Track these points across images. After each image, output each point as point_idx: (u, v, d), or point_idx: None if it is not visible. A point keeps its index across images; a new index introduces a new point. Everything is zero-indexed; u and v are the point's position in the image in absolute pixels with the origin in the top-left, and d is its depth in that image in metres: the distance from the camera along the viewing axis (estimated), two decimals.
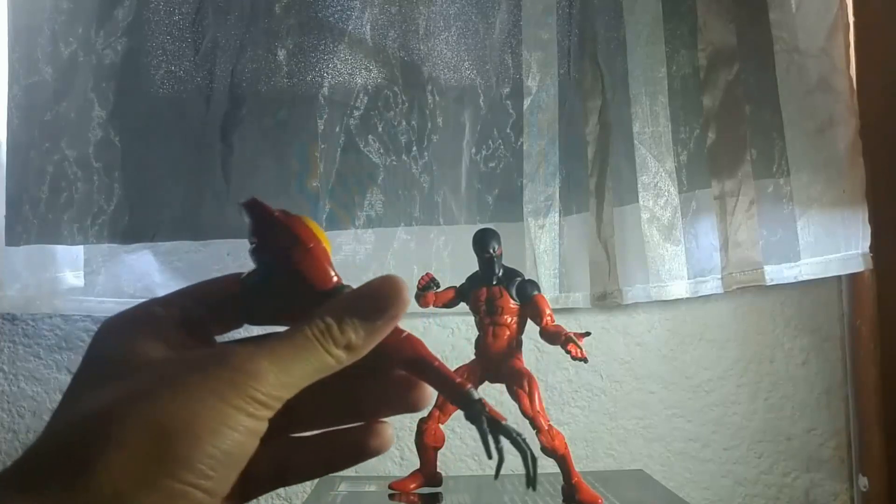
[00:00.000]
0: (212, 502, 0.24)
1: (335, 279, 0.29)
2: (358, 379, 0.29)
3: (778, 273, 0.85)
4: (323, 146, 0.84)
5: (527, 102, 0.87)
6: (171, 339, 0.28)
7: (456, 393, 0.29)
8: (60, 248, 0.83)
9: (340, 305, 0.27)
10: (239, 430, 0.24)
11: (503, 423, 0.29)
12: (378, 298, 0.27)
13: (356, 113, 0.85)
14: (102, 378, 0.26)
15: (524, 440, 0.29)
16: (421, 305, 0.62)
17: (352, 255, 0.85)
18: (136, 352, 0.26)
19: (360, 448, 0.30)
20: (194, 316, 0.29)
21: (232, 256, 0.84)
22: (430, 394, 0.30)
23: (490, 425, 0.28)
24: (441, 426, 0.59)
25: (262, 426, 0.25)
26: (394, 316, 0.27)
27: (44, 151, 0.82)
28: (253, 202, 0.29)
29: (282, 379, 0.25)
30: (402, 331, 0.29)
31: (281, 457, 0.30)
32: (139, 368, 0.26)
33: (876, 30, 0.87)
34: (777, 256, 0.85)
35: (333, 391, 0.28)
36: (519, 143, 0.87)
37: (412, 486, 0.61)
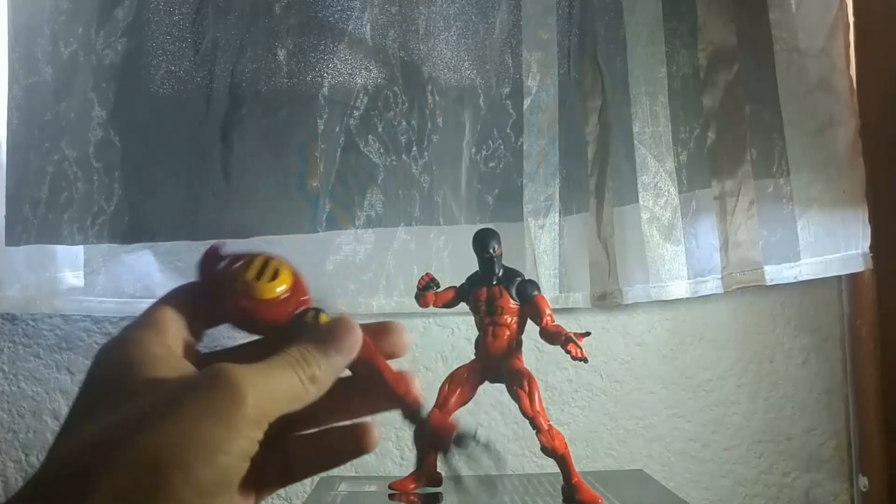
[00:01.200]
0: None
1: (291, 309, 0.30)
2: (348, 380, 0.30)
3: (778, 273, 0.85)
4: (323, 146, 0.84)
5: (527, 102, 0.87)
6: (166, 354, 0.28)
7: (402, 405, 0.30)
8: (60, 248, 0.83)
9: (309, 341, 0.28)
10: (231, 453, 0.24)
11: (452, 435, 0.30)
12: (339, 336, 0.29)
13: (356, 113, 0.85)
14: (100, 403, 0.26)
15: (481, 443, 0.30)
16: (421, 305, 0.62)
17: (352, 255, 0.85)
18: (132, 376, 0.27)
19: (356, 445, 0.31)
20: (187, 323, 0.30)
21: None
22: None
23: (430, 440, 0.30)
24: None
25: (253, 448, 0.25)
26: (351, 353, 0.29)
27: (44, 151, 0.82)
28: (208, 254, 0.32)
29: (271, 406, 0.26)
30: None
31: (286, 455, 0.31)
32: (135, 393, 0.26)
33: (876, 30, 0.87)
34: (777, 256, 0.85)
35: (331, 391, 0.29)
36: (519, 143, 0.87)
37: (412, 486, 0.61)
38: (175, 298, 0.31)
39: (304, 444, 0.31)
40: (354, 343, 0.29)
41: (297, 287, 0.30)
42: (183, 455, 0.24)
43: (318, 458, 0.32)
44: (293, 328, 0.29)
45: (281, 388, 0.26)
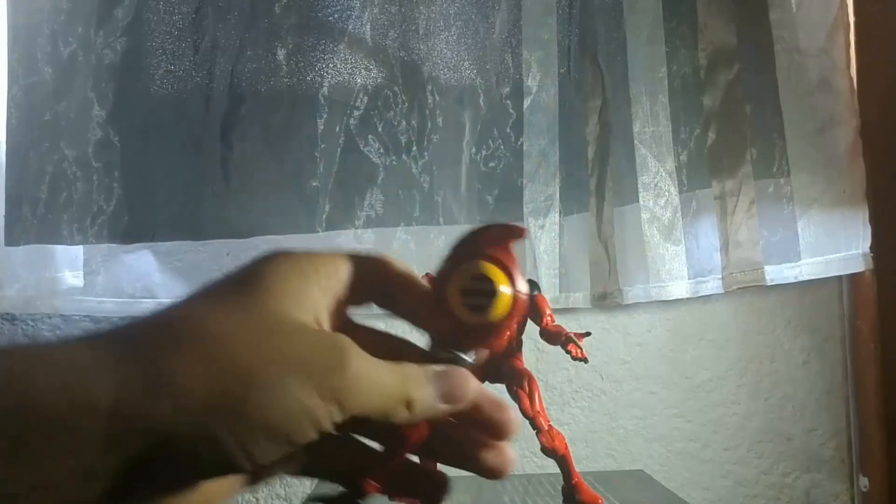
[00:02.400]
0: (246, 468, 0.23)
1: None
2: None
3: (778, 273, 0.85)
4: (323, 146, 0.84)
5: (527, 102, 0.87)
6: (318, 300, 0.27)
7: None
8: (60, 248, 0.83)
9: (423, 372, 0.28)
10: (310, 416, 0.24)
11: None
12: (453, 384, 0.28)
13: (356, 113, 0.85)
14: (236, 294, 0.26)
15: None
16: None
17: None
18: (277, 292, 0.26)
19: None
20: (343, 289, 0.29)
21: (231, 256, 0.84)
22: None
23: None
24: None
25: (327, 426, 0.25)
26: (454, 405, 0.28)
27: (43, 151, 0.82)
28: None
29: (365, 397, 0.25)
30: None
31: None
32: (265, 306, 0.25)
33: (876, 30, 0.87)
34: (777, 256, 0.85)
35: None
36: (519, 143, 0.87)
37: None
38: (365, 262, 0.29)
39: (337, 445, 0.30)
40: (463, 398, 0.28)
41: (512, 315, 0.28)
42: (260, 379, 0.23)
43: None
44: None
45: (379, 391, 0.26)
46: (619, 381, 0.90)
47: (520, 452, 0.85)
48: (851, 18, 0.86)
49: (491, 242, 0.28)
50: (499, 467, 0.30)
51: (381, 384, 0.26)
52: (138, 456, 0.22)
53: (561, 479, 0.58)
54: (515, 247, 0.28)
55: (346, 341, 0.26)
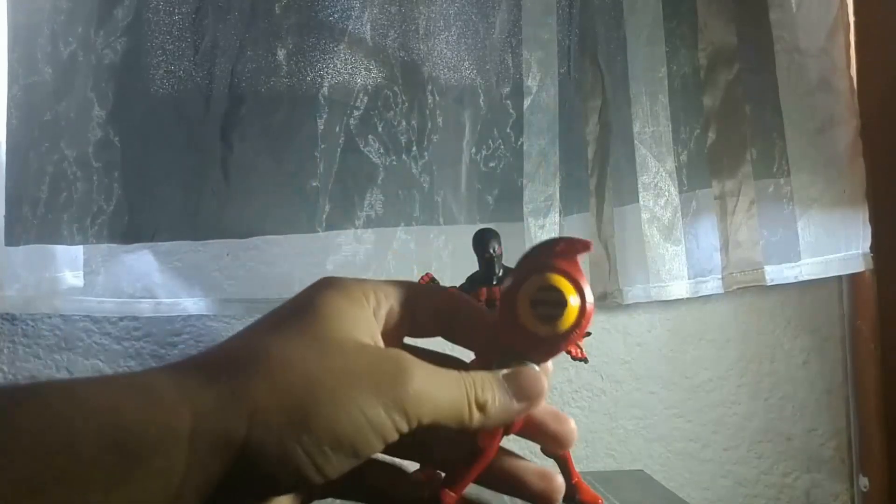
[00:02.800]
0: (317, 480, 0.24)
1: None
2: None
3: (778, 273, 0.85)
4: (323, 146, 0.84)
5: (527, 102, 0.87)
6: (366, 324, 0.28)
7: None
8: (60, 248, 0.83)
9: (492, 375, 0.28)
10: (375, 426, 0.25)
11: None
12: (524, 382, 0.29)
13: (356, 113, 0.85)
14: (294, 321, 0.27)
15: None
16: None
17: (352, 255, 0.85)
18: (332, 322, 0.27)
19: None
20: (394, 317, 0.30)
21: (231, 256, 0.84)
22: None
23: None
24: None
25: (390, 434, 0.25)
26: (530, 404, 0.29)
27: (43, 151, 0.82)
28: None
29: (430, 403, 0.26)
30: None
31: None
32: (323, 337, 0.27)
33: (876, 30, 0.87)
34: (777, 256, 0.85)
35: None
36: (519, 143, 0.87)
37: None
38: (418, 294, 0.31)
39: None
40: (538, 395, 0.29)
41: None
42: (334, 398, 0.24)
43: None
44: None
45: (445, 396, 0.26)
46: (619, 381, 0.90)
47: (519, 452, 0.85)
48: (851, 18, 0.86)
49: (558, 255, 0.29)
50: (548, 493, 0.31)
51: (447, 389, 0.27)
52: (220, 476, 0.23)
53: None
54: (581, 259, 0.29)
55: (405, 354, 0.27)
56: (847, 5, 0.86)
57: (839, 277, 0.89)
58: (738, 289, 0.85)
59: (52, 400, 0.22)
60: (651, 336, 0.90)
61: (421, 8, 0.86)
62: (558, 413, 0.31)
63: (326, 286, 0.28)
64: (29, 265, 0.82)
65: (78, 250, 0.84)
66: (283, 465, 0.24)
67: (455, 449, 0.30)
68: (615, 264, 0.85)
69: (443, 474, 0.31)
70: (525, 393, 0.28)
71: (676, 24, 0.87)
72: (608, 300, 0.85)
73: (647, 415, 0.90)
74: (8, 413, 0.21)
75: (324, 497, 0.30)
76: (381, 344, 0.28)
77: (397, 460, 0.31)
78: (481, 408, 0.27)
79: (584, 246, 0.29)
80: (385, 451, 0.27)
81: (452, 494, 0.29)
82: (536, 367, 0.29)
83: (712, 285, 0.86)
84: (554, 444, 0.31)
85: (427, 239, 0.85)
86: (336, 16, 0.85)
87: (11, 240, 0.81)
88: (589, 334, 0.57)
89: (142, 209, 0.83)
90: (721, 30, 0.86)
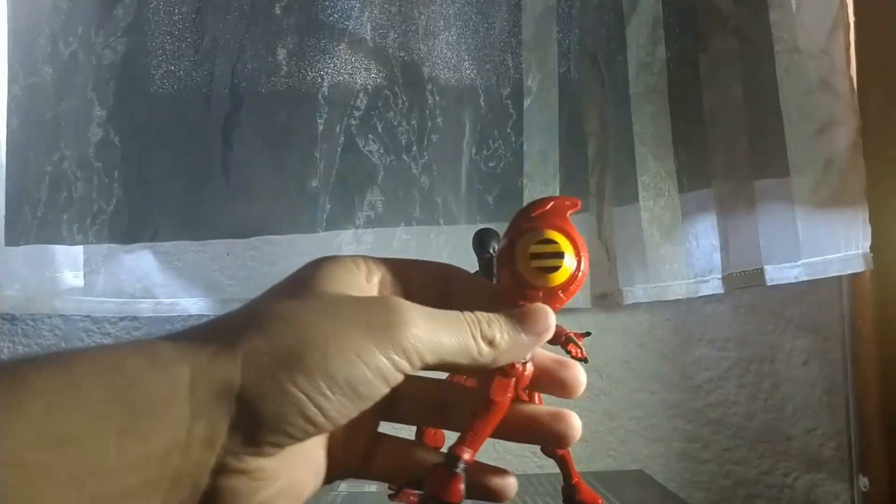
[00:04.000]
0: (322, 423, 0.25)
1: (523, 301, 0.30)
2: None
3: (778, 273, 0.85)
4: (323, 146, 0.84)
5: (527, 102, 0.87)
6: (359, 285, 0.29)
7: None
8: (60, 248, 0.83)
9: (497, 313, 0.29)
10: (371, 366, 0.25)
11: None
12: (532, 317, 0.29)
13: (356, 113, 0.85)
14: (292, 288, 0.28)
15: None
16: None
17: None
18: (326, 283, 0.28)
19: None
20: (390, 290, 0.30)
21: (232, 256, 0.84)
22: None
23: None
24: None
25: (394, 376, 0.26)
26: (540, 337, 0.29)
27: (43, 151, 0.82)
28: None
29: (430, 340, 0.26)
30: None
31: (365, 447, 0.31)
32: (316, 294, 0.28)
33: (876, 30, 0.87)
34: (777, 256, 0.85)
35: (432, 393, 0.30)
36: (519, 143, 0.87)
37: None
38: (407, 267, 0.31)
39: (388, 445, 0.32)
40: (547, 327, 0.29)
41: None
42: (327, 342, 0.25)
43: (396, 465, 0.32)
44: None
45: (448, 334, 0.27)
46: (619, 381, 0.90)
47: (519, 452, 0.85)
48: (851, 18, 0.86)
49: (550, 212, 0.30)
50: (564, 432, 0.32)
51: (450, 327, 0.27)
52: (226, 423, 0.24)
53: (561, 479, 0.58)
54: (571, 217, 0.30)
55: (399, 298, 0.27)
56: (847, 5, 0.86)
57: (839, 277, 0.89)
58: (738, 289, 0.85)
59: (63, 363, 0.23)
60: (651, 336, 0.90)
61: (421, 8, 0.86)
62: (563, 360, 0.32)
63: (320, 260, 0.29)
64: (29, 265, 0.82)
65: (78, 250, 0.84)
66: (281, 405, 0.24)
67: (420, 406, 0.31)
68: (615, 264, 0.85)
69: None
70: (533, 327, 0.29)
71: (676, 23, 0.87)
72: (608, 300, 0.85)
73: (647, 415, 0.90)
74: (26, 375, 0.22)
75: (344, 477, 0.30)
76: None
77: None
78: (490, 342, 0.28)
79: (572, 203, 0.30)
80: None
81: (470, 450, 0.29)
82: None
83: (712, 285, 0.86)
84: (561, 392, 0.32)
85: (427, 239, 0.85)
86: (336, 16, 0.86)
87: (11, 240, 0.81)
88: (589, 334, 0.57)
89: (142, 209, 0.83)
90: (721, 30, 0.86)
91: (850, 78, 0.85)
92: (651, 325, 0.90)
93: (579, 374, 0.32)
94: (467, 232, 0.65)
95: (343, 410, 0.25)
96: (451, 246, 0.85)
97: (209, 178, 0.83)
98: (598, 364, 0.89)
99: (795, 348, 0.91)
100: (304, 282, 0.28)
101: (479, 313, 0.28)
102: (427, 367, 0.27)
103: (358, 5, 0.85)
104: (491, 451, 0.84)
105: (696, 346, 0.91)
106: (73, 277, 0.84)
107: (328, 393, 0.24)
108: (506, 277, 0.30)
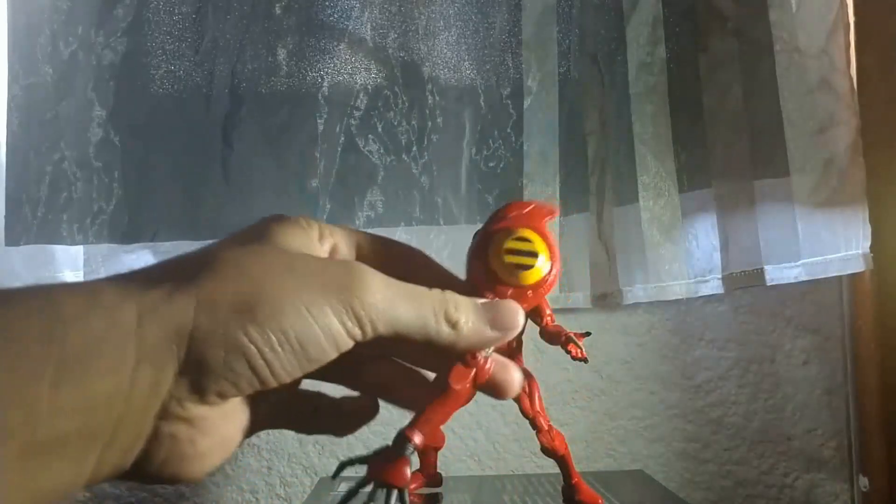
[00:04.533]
0: (268, 378, 0.24)
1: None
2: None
3: (778, 273, 0.85)
4: (323, 146, 0.84)
5: (527, 102, 0.87)
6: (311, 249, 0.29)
7: None
8: (60, 248, 0.83)
9: (468, 298, 0.28)
10: (323, 327, 0.24)
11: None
12: (502, 311, 0.28)
13: (356, 113, 0.85)
14: (248, 241, 0.28)
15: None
16: None
17: None
18: (282, 239, 0.28)
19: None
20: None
21: None
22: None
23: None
24: (441, 427, 0.59)
25: (344, 341, 0.25)
26: (505, 333, 0.28)
27: (43, 151, 0.82)
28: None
29: (386, 309, 0.25)
30: None
31: (289, 403, 0.30)
32: (273, 247, 0.27)
33: (876, 30, 0.87)
34: (777, 256, 0.85)
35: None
36: (519, 143, 0.87)
37: (412, 486, 0.61)
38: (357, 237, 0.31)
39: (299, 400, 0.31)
40: (515, 325, 0.29)
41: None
42: (281, 296, 0.24)
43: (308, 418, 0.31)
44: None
45: (407, 306, 0.26)
46: (619, 381, 0.90)
47: (519, 452, 0.85)
48: (851, 18, 0.86)
49: (528, 215, 0.30)
50: (506, 384, 0.30)
51: (411, 300, 0.26)
52: (173, 370, 0.23)
53: (561, 479, 0.58)
54: (548, 224, 0.31)
55: (361, 263, 0.26)
56: (847, 5, 0.86)
57: (839, 277, 0.89)
58: (738, 289, 0.85)
59: None
60: (651, 336, 0.90)
61: (421, 8, 0.86)
62: (504, 361, 0.30)
63: (275, 217, 0.29)
64: (29, 265, 0.82)
65: (78, 250, 0.84)
66: (231, 354, 0.23)
67: (385, 374, 0.30)
68: (615, 264, 0.85)
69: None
70: (501, 323, 0.28)
71: (676, 23, 0.87)
72: (608, 300, 0.85)
73: (647, 415, 0.90)
74: None
75: (272, 426, 0.30)
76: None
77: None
78: (453, 325, 0.27)
79: (549, 211, 0.31)
80: (314, 375, 0.27)
81: (421, 434, 0.28)
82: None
83: (712, 285, 0.86)
84: (495, 391, 0.30)
85: (427, 239, 0.85)
86: (336, 16, 0.86)
87: (11, 240, 0.82)
88: (589, 334, 0.57)
89: (142, 209, 0.83)
90: (721, 30, 0.86)
91: (850, 78, 0.85)
92: (651, 325, 0.90)
93: (515, 379, 0.30)
94: (467, 232, 0.65)
95: (289, 369, 0.24)
96: (451, 246, 0.85)
97: (209, 178, 0.83)
98: (598, 364, 0.89)
99: (795, 348, 0.91)
100: (260, 234, 0.28)
101: (448, 293, 0.27)
102: (381, 338, 0.26)
103: (358, 5, 0.85)
104: (491, 450, 0.84)
105: (696, 346, 0.91)
106: (73, 277, 0.84)
107: (278, 348, 0.24)
108: (476, 271, 0.30)
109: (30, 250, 0.82)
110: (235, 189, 0.83)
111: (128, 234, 0.83)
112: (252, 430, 0.28)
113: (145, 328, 0.23)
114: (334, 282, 0.25)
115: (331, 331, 0.24)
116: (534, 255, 0.29)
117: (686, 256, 0.86)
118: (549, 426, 0.57)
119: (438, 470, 0.61)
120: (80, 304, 0.23)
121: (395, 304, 0.26)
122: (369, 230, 0.84)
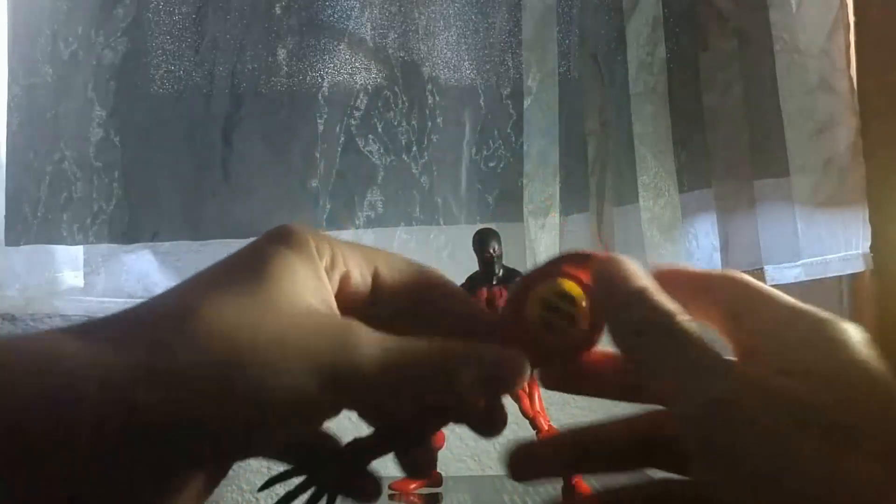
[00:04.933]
0: (235, 450, 0.22)
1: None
2: None
3: (778, 273, 0.85)
4: (323, 146, 0.84)
5: (527, 102, 0.87)
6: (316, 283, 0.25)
7: None
8: (60, 248, 0.83)
9: (475, 347, 0.25)
10: (305, 399, 0.22)
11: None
12: (508, 367, 0.25)
13: (356, 113, 0.85)
14: (238, 277, 0.24)
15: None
16: None
17: None
18: (280, 283, 0.24)
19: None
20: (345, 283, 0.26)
21: None
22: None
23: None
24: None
25: (325, 413, 0.23)
26: (504, 391, 0.26)
27: (43, 151, 0.82)
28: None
29: (381, 377, 0.23)
30: None
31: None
32: (266, 298, 0.23)
33: (876, 30, 0.87)
34: (777, 256, 0.85)
35: None
36: (519, 143, 0.87)
37: (412, 486, 0.61)
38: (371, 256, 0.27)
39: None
40: (518, 381, 0.25)
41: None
42: (259, 360, 0.21)
43: None
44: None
45: (407, 369, 0.23)
46: None
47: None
48: (851, 18, 0.86)
49: (580, 265, 0.27)
50: (495, 423, 0.28)
51: (410, 360, 0.23)
52: (126, 458, 0.20)
53: (561, 479, 0.58)
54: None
55: (356, 323, 0.23)
56: (847, 5, 0.86)
57: (839, 277, 0.89)
58: None
59: None
60: None
61: (421, 8, 0.86)
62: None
63: (279, 240, 0.24)
64: (29, 265, 0.82)
65: (78, 250, 0.84)
66: (194, 440, 0.20)
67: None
68: None
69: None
70: (503, 378, 0.26)
71: (676, 23, 0.87)
72: None
73: None
74: None
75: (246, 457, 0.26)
76: (336, 309, 0.25)
77: None
78: (449, 385, 0.25)
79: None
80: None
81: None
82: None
83: None
84: (481, 427, 0.29)
85: (427, 239, 0.85)
86: (336, 16, 0.86)
87: (11, 240, 0.82)
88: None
89: (142, 209, 0.83)
90: (721, 30, 0.86)
91: (850, 78, 0.85)
92: None
93: (504, 419, 0.28)
94: (467, 232, 0.65)
95: (267, 442, 0.23)
96: (451, 246, 0.85)
97: (209, 178, 0.83)
98: None
99: None
100: (255, 273, 0.24)
101: (448, 343, 0.24)
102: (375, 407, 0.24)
103: (358, 5, 0.85)
104: (491, 450, 0.84)
105: None
106: (73, 277, 0.84)
107: (257, 427, 0.21)
108: (509, 315, 0.26)
109: (30, 250, 0.82)
110: (235, 189, 0.83)
111: (128, 234, 0.83)
112: (220, 476, 0.25)
113: (103, 409, 0.20)
114: (324, 349, 0.22)
115: (315, 405, 0.22)
116: (572, 316, 0.26)
117: (686, 256, 0.86)
118: (550, 426, 0.57)
119: (438, 470, 0.61)
120: (28, 380, 0.20)
121: (393, 370, 0.23)
122: (369, 230, 0.85)
